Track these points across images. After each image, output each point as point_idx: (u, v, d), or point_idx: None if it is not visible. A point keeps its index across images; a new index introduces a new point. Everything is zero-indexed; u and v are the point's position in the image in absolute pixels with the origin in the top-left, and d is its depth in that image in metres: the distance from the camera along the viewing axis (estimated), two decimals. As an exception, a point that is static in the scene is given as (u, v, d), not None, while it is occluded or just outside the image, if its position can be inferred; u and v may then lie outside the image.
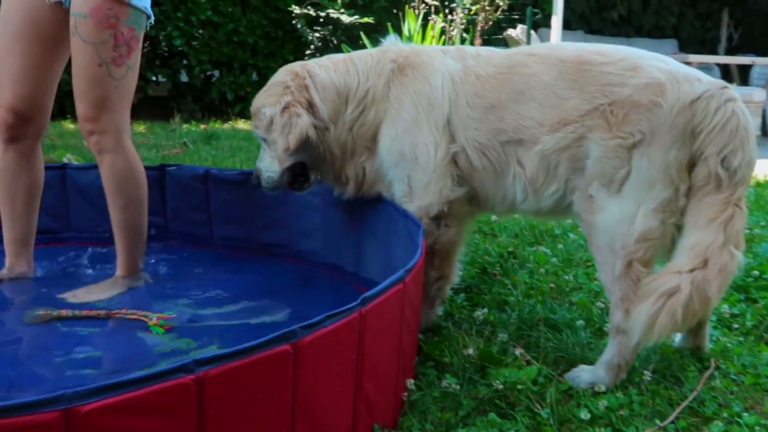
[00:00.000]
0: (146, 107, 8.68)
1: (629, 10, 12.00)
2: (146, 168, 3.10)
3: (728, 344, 2.27)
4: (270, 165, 2.41)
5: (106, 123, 2.41)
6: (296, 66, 2.43)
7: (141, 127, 7.25)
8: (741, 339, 2.34)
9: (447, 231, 2.28)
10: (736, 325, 2.45)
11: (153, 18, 2.48)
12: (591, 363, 2.07)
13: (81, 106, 2.39)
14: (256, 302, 2.49)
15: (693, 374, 2.08)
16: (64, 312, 2.23)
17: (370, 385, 1.61)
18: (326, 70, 2.38)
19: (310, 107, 2.34)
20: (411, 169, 2.27)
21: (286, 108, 2.31)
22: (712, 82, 1.98)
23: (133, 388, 1.16)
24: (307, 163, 2.44)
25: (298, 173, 2.46)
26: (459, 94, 2.23)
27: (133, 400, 1.15)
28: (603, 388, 1.95)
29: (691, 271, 1.85)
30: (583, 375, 2.01)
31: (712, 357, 2.20)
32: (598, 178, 2.00)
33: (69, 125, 7.16)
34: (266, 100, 2.37)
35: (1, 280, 2.52)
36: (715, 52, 12.05)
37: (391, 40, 2.48)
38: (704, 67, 10.52)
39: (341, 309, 1.47)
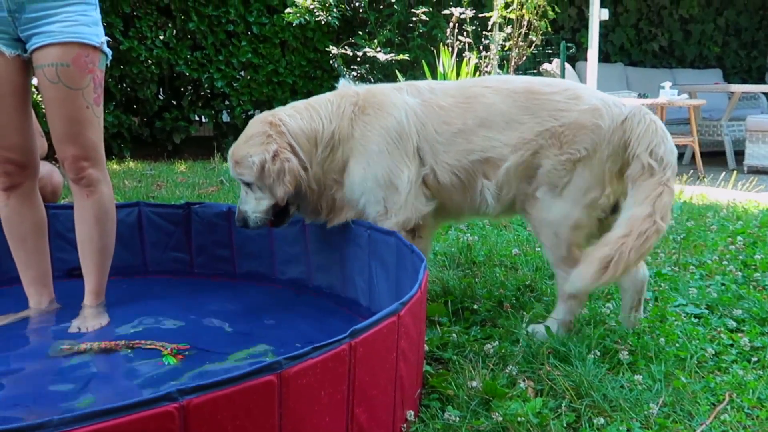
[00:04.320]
0: (190, 148, 8.94)
1: (671, 41, 11.91)
2: (172, 207, 3.25)
3: (746, 378, 2.23)
4: (256, 207, 2.64)
5: (96, 158, 2.58)
6: (267, 116, 2.65)
7: (182, 167, 7.45)
8: (760, 373, 2.30)
9: (420, 241, 2.63)
10: (755, 359, 2.40)
11: (110, 57, 2.62)
12: (602, 394, 2.06)
13: (73, 148, 2.52)
14: (272, 335, 2.56)
15: (705, 408, 2.05)
16: (83, 346, 2.32)
17: (364, 416, 1.64)
18: (293, 119, 2.63)
19: (293, 151, 2.58)
20: (387, 193, 2.58)
21: (276, 155, 2.54)
22: (634, 105, 2.51)
23: (117, 415, 1.21)
24: (289, 200, 2.65)
25: (279, 210, 2.67)
26: (425, 123, 2.58)
27: (117, 427, 1.21)
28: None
29: (618, 239, 2.29)
30: (542, 330, 2.51)
31: (727, 390, 2.16)
32: (546, 184, 2.49)
33: (114, 166, 7.42)
34: (251, 150, 2.57)
35: (28, 316, 2.63)
36: (762, 81, 11.84)
37: (344, 84, 2.77)
38: (750, 97, 10.36)
39: (329, 341, 1.51)
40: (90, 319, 2.57)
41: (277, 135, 2.58)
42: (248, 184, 2.62)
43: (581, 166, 2.44)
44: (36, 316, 2.65)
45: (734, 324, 2.70)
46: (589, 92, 2.54)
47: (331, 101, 2.67)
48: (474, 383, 2.09)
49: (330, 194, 2.68)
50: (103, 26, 2.60)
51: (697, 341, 2.52)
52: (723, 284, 3.18)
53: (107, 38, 2.58)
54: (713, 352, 2.43)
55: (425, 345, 2.32)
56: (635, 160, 2.43)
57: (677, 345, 2.48)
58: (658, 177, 2.39)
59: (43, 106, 2.59)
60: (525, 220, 2.71)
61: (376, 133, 2.58)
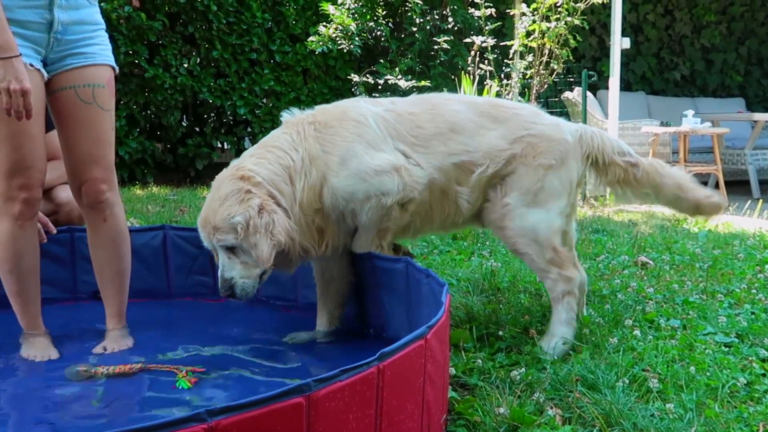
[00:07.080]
0: (212, 173, 8.98)
1: (692, 70, 11.87)
2: (197, 230, 3.25)
3: (780, 407, 2.18)
4: (245, 272, 2.38)
5: (113, 181, 2.58)
6: (233, 172, 2.43)
7: (204, 192, 7.50)
8: (795, 402, 2.24)
9: (404, 215, 2.57)
10: (790, 388, 2.35)
11: None
12: (632, 423, 2.02)
13: (97, 170, 2.49)
14: (296, 358, 2.56)
15: (739, 439, 2.00)
16: (101, 369, 2.32)
17: (391, 442, 1.62)
18: (261, 166, 2.42)
19: (276, 202, 2.38)
20: (379, 180, 2.47)
21: (261, 209, 2.32)
22: (579, 124, 2.83)
23: (146, 436, 1.21)
24: None
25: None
26: (398, 129, 2.57)
27: (146, 447, 1.20)
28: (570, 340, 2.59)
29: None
30: (557, 345, 2.57)
31: (761, 421, 2.11)
32: (517, 189, 2.62)
33: (137, 191, 7.48)
34: (232, 210, 2.33)
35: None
36: (785, 110, 11.74)
37: (288, 114, 2.62)
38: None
39: (358, 363, 1.50)
40: (116, 341, 2.57)
41: (254, 187, 2.36)
42: (231, 249, 2.38)
43: (552, 174, 2.63)
44: (54, 340, 2.61)
45: (766, 353, 2.64)
46: (542, 112, 2.81)
47: (287, 132, 2.52)
48: (501, 410, 2.06)
49: (313, 227, 2.48)
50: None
51: (729, 370, 2.47)
52: (753, 313, 3.13)
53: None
54: (745, 382, 2.38)
55: (450, 370, 2.29)
56: (612, 166, 2.75)
57: (708, 374, 2.43)
58: (645, 164, 2.78)
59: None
60: (496, 234, 2.80)
61: (347, 141, 2.48)
